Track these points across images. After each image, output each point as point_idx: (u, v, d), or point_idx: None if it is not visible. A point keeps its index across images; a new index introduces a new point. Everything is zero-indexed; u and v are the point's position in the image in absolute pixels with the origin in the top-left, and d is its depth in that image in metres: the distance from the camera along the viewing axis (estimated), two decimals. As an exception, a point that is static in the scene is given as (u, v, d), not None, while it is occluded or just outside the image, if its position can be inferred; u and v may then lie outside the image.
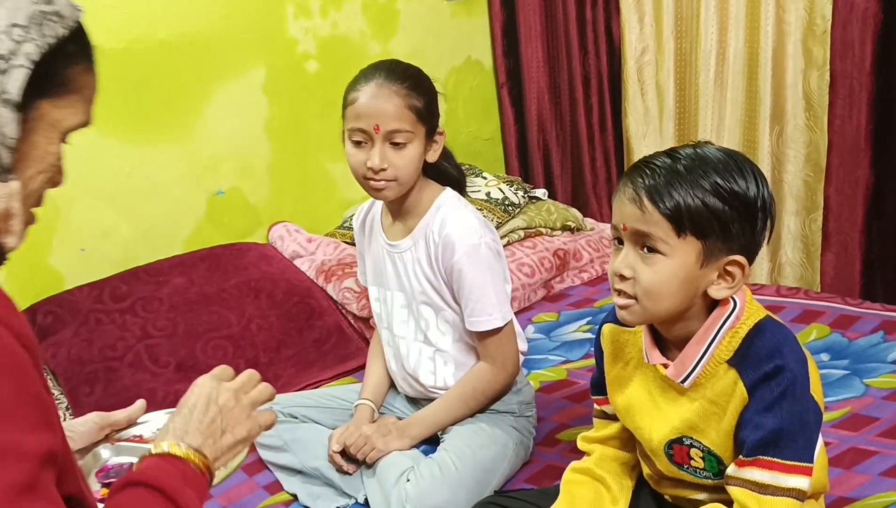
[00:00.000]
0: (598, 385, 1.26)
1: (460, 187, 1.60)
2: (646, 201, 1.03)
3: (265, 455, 1.70)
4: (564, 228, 2.68)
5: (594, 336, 1.28)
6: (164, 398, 1.98)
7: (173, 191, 2.44)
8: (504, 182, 2.78)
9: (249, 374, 1.02)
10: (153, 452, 0.89)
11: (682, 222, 1.02)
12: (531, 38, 3.04)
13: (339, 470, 1.57)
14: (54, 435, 0.74)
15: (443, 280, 1.53)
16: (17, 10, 0.77)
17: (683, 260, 1.03)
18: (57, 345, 2.09)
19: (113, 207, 2.34)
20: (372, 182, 1.48)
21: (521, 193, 2.75)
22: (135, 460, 0.96)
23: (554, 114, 3.10)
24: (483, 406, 1.57)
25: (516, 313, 2.38)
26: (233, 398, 0.97)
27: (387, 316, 1.65)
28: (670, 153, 1.07)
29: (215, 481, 0.92)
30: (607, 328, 1.23)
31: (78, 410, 1.94)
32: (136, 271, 2.29)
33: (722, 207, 1.02)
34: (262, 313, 2.23)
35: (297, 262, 2.46)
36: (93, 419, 1.10)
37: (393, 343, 1.65)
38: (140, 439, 1.11)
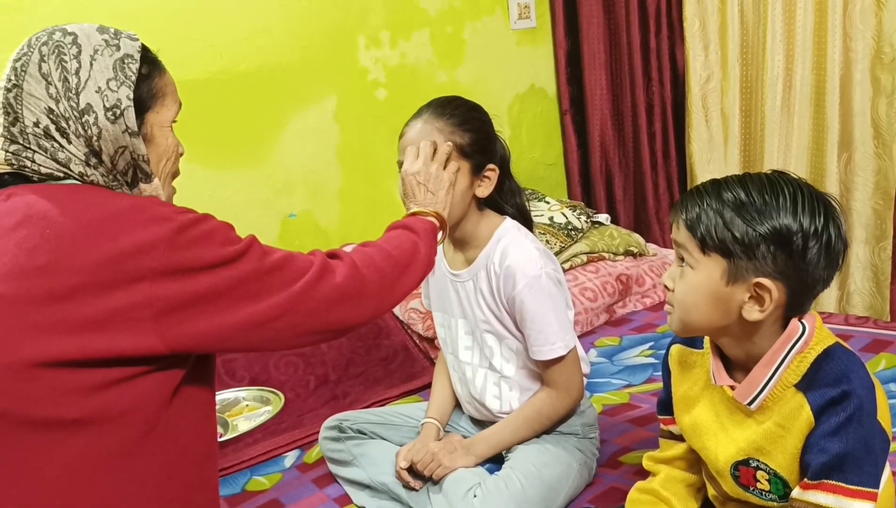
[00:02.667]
0: (665, 405, 1.29)
1: (525, 223, 1.64)
2: (680, 216, 1.09)
3: (335, 469, 1.75)
4: (627, 253, 2.70)
5: (662, 356, 1.31)
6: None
7: (249, 213, 2.55)
8: (567, 207, 2.82)
9: (426, 150, 1.47)
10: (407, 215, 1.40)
11: (703, 238, 1.06)
12: (595, 65, 3.08)
13: (406, 486, 1.61)
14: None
15: (505, 310, 1.56)
16: (105, 68, 1.05)
17: (708, 275, 1.07)
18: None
19: (193, 228, 2.45)
20: None
21: (583, 217, 2.79)
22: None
23: (617, 140, 3.13)
24: (547, 429, 1.60)
25: (579, 337, 2.42)
26: (426, 169, 1.44)
27: (451, 342, 1.69)
28: (729, 178, 1.12)
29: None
30: (675, 348, 1.26)
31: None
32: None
33: (745, 229, 1.04)
34: (332, 332, 2.31)
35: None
36: None
37: (458, 368, 1.69)
38: None
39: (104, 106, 1.03)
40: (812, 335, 1.10)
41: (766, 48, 2.57)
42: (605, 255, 2.66)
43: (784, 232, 1.04)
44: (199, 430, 1.09)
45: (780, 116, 2.59)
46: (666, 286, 1.14)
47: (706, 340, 1.20)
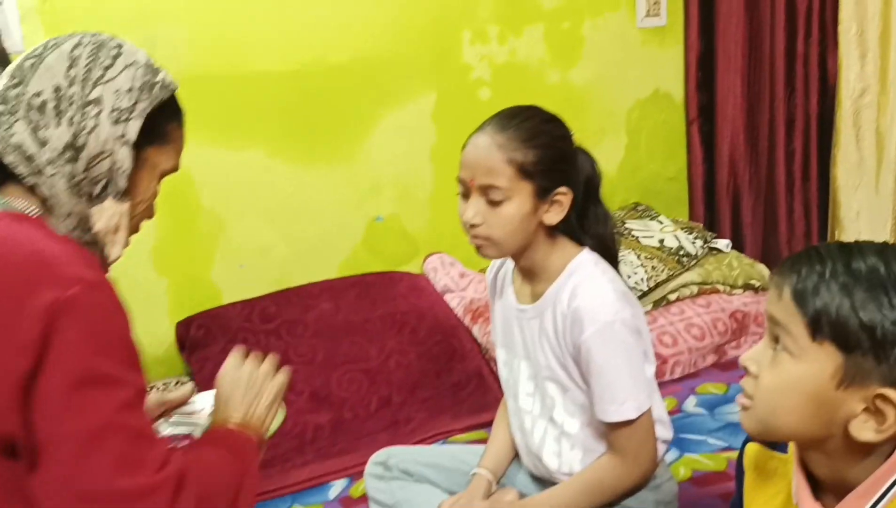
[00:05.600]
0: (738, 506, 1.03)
1: (608, 257, 1.40)
2: (786, 282, 0.84)
3: (376, 510, 1.60)
4: (746, 286, 2.37)
5: (738, 453, 1.05)
6: (293, 428, 1.95)
7: (332, 214, 2.43)
8: (682, 228, 2.53)
9: (254, 355, 1.20)
10: (212, 430, 1.10)
11: (817, 317, 0.80)
12: (730, 71, 2.75)
13: (446, 545, 1.44)
14: (143, 378, 0.95)
15: (570, 358, 1.34)
16: (135, 79, 1.03)
17: (814, 370, 0.81)
18: (204, 359, 2.12)
19: (273, 226, 2.36)
20: (470, 238, 1.34)
21: (699, 242, 2.48)
22: (186, 430, 1.23)
23: (749, 155, 2.79)
24: (610, 501, 1.36)
25: (678, 379, 2.14)
26: (251, 374, 1.15)
27: (513, 385, 1.49)
28: (864, 244, 0.85)
29: (269, 433, 1.15)
30: (752, 447, 1.00)
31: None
32: (287, 293, 2.29)
33: (881, 317, 0.78)
34: (403, 349, 2.15)
35: (447, 297, 2.36)
36: (151, 398, 1.23)
37: (518, 416, 1.49)
38: (192, 414, 1.28)
39: (113, 106, 1.00)
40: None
41: (937, 59, 2.17)
42: (720, 287, 2.35)
43: None
44: None
45: (948, 141, 2.19)
46: (747, 369, 0.88)
47: (791, 444, 0.94)
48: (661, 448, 1.42)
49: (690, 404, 2.01)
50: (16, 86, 0.99)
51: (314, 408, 2.00)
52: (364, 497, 1.69)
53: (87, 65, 1.00)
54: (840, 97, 2.42)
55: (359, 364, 2.10)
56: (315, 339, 2.15)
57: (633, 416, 1.30)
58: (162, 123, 1.05)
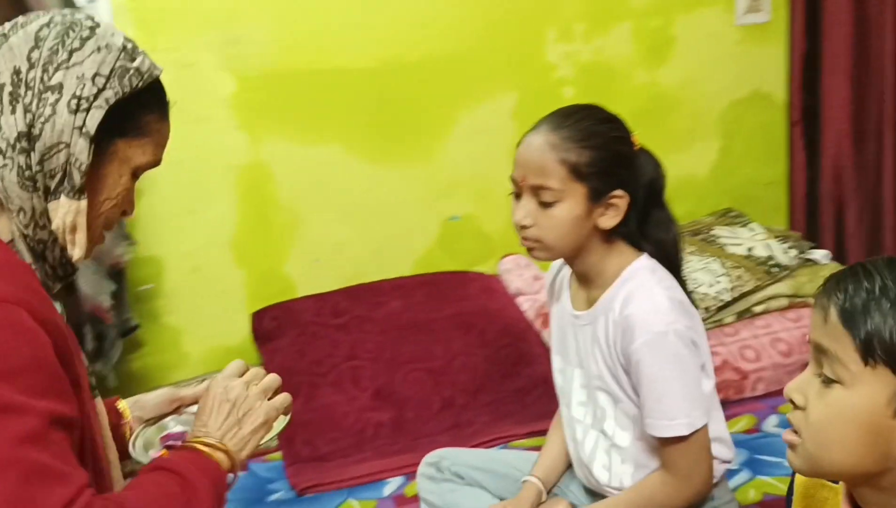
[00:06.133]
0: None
1: (668, 264, 1.32)
2: (832, 303, 0.76)
3: (426, 512, 1.57)
4: (843, 301, 2.21)
5: (789, 482, 0.96)
6: (355, 424, 1.96)
7: (408, 212, 2.42)
8: (775, 237, 2.38)
9: (256, 370, 1.10)
10: (181, 446, 1.02)
11: (869, 340, 0.73)
12: (836, 71, 2.57)
13: (492, 553, 1.40)
14: (66, 404, 0.85)
15: (621, 367, 1.27)
16: (104, 63, 0.93)
17: (868, 398, 0.74)
18: (274, 351, 2.16)
19: (348, 222, 2.37)
20: (521, 240, 1.29)
21: (794, 252, 2.33)
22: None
23: (855, 162, 2.60)
24: (661, 521, 1.29)
25: (760, 397, 2.02)
26: (243, 390, 1.05)
27: (567, 393, 1.43)
28: None
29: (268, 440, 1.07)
30: (801, 477, 0.91)
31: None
32: (358, 289, 2.31)
33: None
34: (470, 350, 2.12)
35: (519, 300, 2.31)
36: (164, 393, 1.21)
37: (570, 425, 1.43)
38: None
39: (74, 93, 0.90)
40: None
41: None
42: (812, 301, 2.19)
43: None
44: None
45: None
46: (793, 403, 0.80)
47: None
48: (720, 468, 1.33)
49: (770, 423, 1.89)
50: None
51: (377, 406, 2.00)
52: (417, 497, 1.68)
53: (52, 47, 0.91)
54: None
55: (424, 363, 2.08)
56: (382, 336, 2.15)
57: (684, 433, 1.22)
58: (136, 113, 0.96)
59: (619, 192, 1.26)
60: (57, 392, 0.84)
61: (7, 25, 0.94)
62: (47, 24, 0.93)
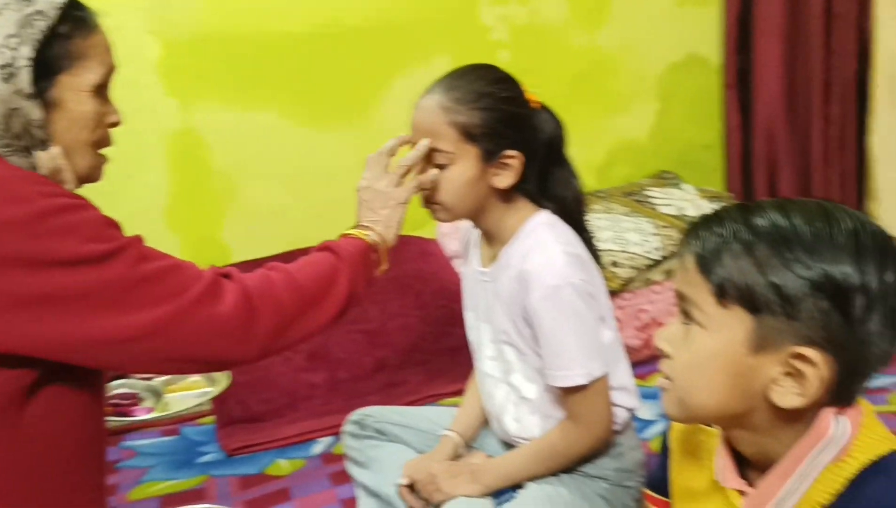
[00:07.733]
0: (658, 483, 0.99)
1: (569, 220, 1.35)
2: (689, 251, 0.79)
3: (350, 468, 1.61)
4: (770, 259, 2.27)
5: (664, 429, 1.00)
6: (289, 385, 1.98)
7: (347, 177, 2.39)
8: (707, 197, 2.43)
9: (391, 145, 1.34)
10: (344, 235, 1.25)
11: (722, 283, 0.76)
12: (769, 33, 2.61)
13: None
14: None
15: (523, 321, 1.31)
16: (7, 23, 0.94)
17: (726, 338, 0.76)
18: (210, 316, 2.17)
19: (286, 187, 2.38)
20: (423, 203, 1.32)
21: (724, 212, 2.38)
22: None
23: (788, 124, 2.65)
24: (565, 468, 1.33)
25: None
26: (375, 182, 1.31)
27: (477, 348, 1.46)
28: (765, 202, 0.80)
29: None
30: (678, 425, 0.95)
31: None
32: (294, 254, 2.30)
33: (786, 273, 0.74)
34: (405, 312, 2.15)
35: (456, 262, 2.34)
36: None
37: (482, 379, 1.46)
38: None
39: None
40: (853, 438, 0.76)
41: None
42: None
43: (842, 282, 0.73)
44: (69, 432, 0.97)
45: None
46: (661, 351, 0.83)
47: None
48: (624, 415, 1.37)
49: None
50: None
51: (311, 367, 2.03)
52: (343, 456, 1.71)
53: None
54: (874, 60, 2.27)
55: (359, 325, 2.11)
56: (318, 299, 2.16)
57: (582, 382, 1.26)
58: (63, 45, 0.98)
59: (512, 152, 1.27)
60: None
61: None
62: None
